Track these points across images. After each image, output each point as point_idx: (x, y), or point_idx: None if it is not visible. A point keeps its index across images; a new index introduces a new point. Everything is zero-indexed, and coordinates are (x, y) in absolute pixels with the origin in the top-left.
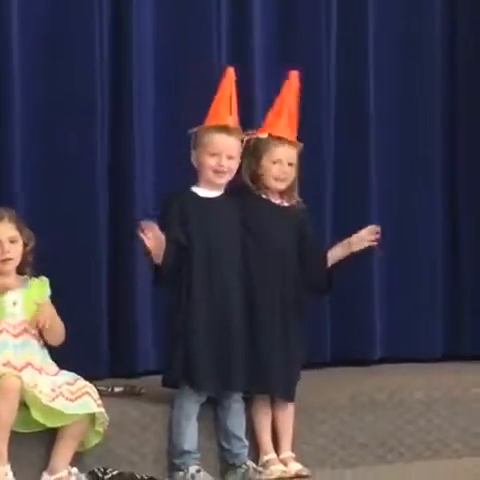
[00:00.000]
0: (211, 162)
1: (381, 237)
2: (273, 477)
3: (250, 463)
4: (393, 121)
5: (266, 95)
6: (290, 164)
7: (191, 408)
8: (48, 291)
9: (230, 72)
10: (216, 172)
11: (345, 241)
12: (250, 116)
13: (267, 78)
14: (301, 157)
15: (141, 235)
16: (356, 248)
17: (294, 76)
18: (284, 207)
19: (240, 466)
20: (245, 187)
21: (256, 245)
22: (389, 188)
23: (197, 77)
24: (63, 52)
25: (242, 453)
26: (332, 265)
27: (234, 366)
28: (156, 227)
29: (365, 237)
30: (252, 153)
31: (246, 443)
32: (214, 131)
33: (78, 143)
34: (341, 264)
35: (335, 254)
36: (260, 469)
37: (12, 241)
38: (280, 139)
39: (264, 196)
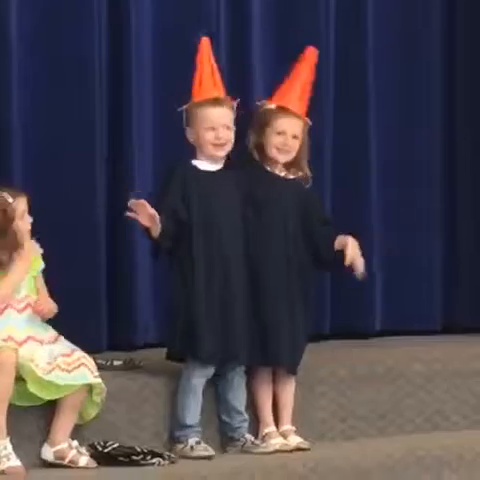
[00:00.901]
0: (209, 136)
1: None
2: (269, 450)
3: (248, 436)
4: (391, 91)
5: (264, 80)
6: (294, 137)
7: (198, 382)
8: (42, 264)
9: (205, 42)
10: (215, 145)
11: (344, 242)
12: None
13: (265, 65)
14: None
15: (131, 215)
16: (348, 257)
17: (311, 52)
18: (287, 179)
19: (239, 439)
20: (250, 159)
21: (257, 216)
22: (388, 158)
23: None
24: (61, 29)
25: (241, 426)
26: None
27: (238, 339)
28: (145, 204)
29: (355, 262)
30: (258, 123)
31: (246, 417)
32: (206, 105)
33: (77, 122)
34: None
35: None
36: (258, 442)
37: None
38: (287, 111)
39: (268, 168)
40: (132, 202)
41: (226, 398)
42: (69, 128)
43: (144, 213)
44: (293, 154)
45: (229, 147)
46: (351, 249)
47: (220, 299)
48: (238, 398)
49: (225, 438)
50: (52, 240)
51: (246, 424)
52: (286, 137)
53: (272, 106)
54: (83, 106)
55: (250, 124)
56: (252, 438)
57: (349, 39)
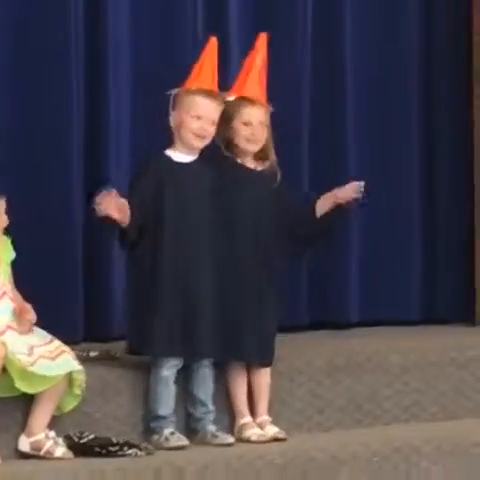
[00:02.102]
0: (193, 125)
1: (364, 191)
2: (229, 441)
3: (210, 428)
4: (369, 72)
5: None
6: (261, 124)
7: (168, 373)
8: (13, 253)
9: (213, 42)
10: (197, 136)
11: (329, 193)
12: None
13: (243, 44)
14: (274, 119)
15: (99, 209)
16: (341, 200)
17: (262, 39)
18: (258, 172)
19: (201, 430)
20: (219, 152)
21: (228, 211)
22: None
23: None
24: (36, 22)
25: (204, 418)
26: (323, 216)
27: (202, 333)
28: (114, 194)
29: (349, 190)
30: (223, 117)
31: (211, 408)
32: (199, 94)
33: (53, 115)
34: (332, 215)
35: (321, 206)
36: (217, 433)
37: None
38: (249, 100)
39: (239, 160)
40: (100, 196)
41: (191, 389)
42: (45, 127)
43: (113, 204)
44: (262, 142)
45: (208, 141)
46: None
47: (184, 292)
48: (203, 389)
49: (190, 429)
50: (28, 232)
51: (210, 416)
52: (253, 127)
53: (233, 98)
54: (59, 103)
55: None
56: (214, 430)
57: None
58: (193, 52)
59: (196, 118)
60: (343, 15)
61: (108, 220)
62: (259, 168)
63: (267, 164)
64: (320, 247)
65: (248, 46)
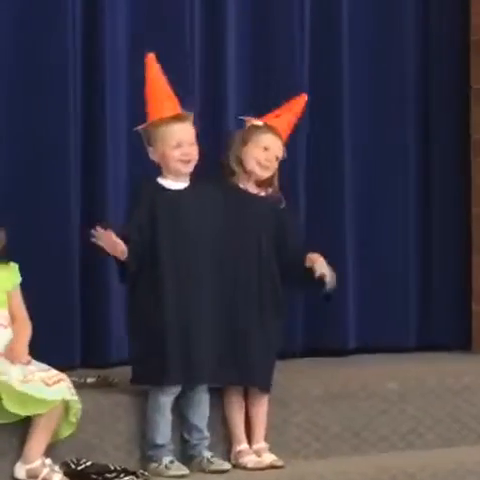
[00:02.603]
0: (175, 154)
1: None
2: (224, 467)
3: (206, 453)
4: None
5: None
6: (276, 157)
7: (165, 401)
8: (18, 277)
9: (152, 57)
10: (182, 162)
11: (311, 255)
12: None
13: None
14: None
15: (95, 241)
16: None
17: (302, 98)
18: (261, 197)
19: (197, 456)
20: (221, 176)
21: (230, 236)
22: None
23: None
24: (35, 36)
25: (200, 444)
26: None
27: (203, 360)
28: (110, 235)
29: (320, 268)
30: (239, 138)
31: (206, 435)
32: (169, 123)
33: (51, 135)
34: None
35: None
36: (213, 460)
37: None
38: (274, 130)
39: (242, 185)
40: (97, 232)
41: (186, 415)
42: (43, 141)
43: (109, 243)
44: (271, 173)
45: (194, 163)
46: (319, 262)
47: (187, 320)
48: (198, 415)
49: (186, 456)
50: (26, 256)
51: (206, 442)
52: (269, 153)
53: (260, 123)
54: (57, 116)
55: (231, 139)
56: (209, 456)
57: (324, 51)
58: (189, 61)
59: (176, 147)
60: (341, 31)
61: (106, 253)
62: (262, 194)
63: (269, 191)
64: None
65: (243, 60)
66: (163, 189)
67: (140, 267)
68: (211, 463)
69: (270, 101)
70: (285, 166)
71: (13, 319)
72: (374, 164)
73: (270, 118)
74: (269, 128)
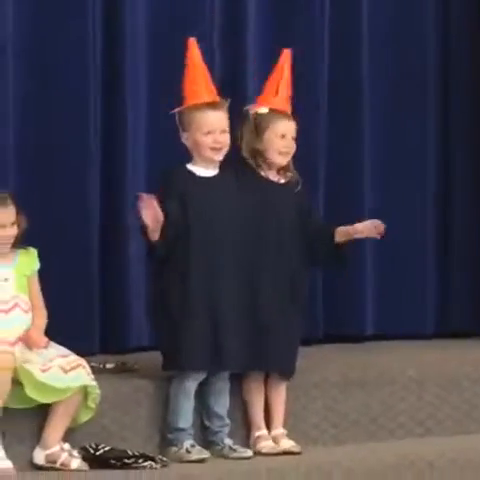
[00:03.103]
0: (208, 141)
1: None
2: (246, 455)
3: (227, 441)
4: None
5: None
6: (293, 138)
7: (191, 385)
8: (37, 263)
9: (193, 43)
10: (213, 149)
11: (349, 227)
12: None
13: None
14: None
15: (140, 206)
16: (360, 235)
17: (286, 54)
18: (282, 184)
19: (218, 444)
20: (241, 164)
21: (255, 224)
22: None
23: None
24: (54, 30)
25: (221, 431)
26: (340, 244)
27: (230, 347)
28: (155, 202)
29: (370, 230)
30: (252, 129)
31: (227, 422)
32: (203, 109)
33: (70, 125)
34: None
35: (340, 233)
36: (236, 447)
37: (12, 224)
38: (281, 113)
39: (262, 173)
40: (143, 195)
41: (208, 402)
42: (61, 132)
43: (150, 210)
44: (291, 156)
45: (225, 151)
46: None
47: (213, 306)
48: (219, 403)
49: (206, 442)
50: (45, 243)
51: (226, 429)
52: (287, 139)
53: (266, 110)
54: (76, 110)
55: (241, 130)
56: (231, 443)
57: (344, 35)
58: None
59: (208, 134)
60: (360, 33)
61: (144, 230)
62: (282, 180)
63: (289, 176)
64: (334, 272)
65: (265, 59)
66: (193, 176)
67: (168, 251)
68: (233, 451)
69: None
70: (305, 148)
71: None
72: (393, 151)
73: (270, 98)
74: (278, 113)
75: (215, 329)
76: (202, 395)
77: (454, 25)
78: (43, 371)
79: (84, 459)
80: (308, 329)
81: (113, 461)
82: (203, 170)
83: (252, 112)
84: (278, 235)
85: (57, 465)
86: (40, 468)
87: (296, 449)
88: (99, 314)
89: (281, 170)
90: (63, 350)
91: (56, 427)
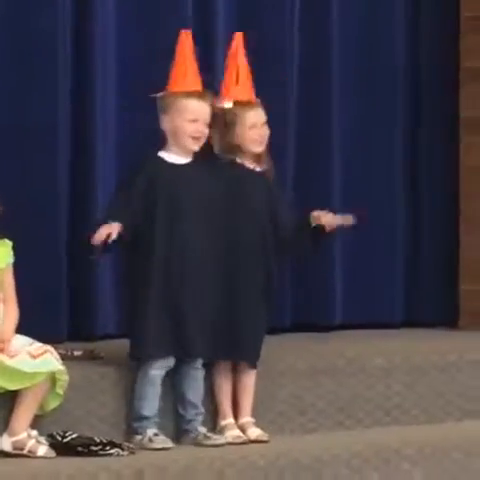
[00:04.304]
0: (190, 128)
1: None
2: (220, 442)
3: (201, 429)
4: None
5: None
6: (263, 124)
7: (156, 374)
8: (11, 255)
9: (187, 35)
10: (193, 138)
11: (316, 213)
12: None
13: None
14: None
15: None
16: (325, 225)
17: (239, 37)
18: (257, 173)
19: (192, 432)
20: (217, 155)
21: (230, 211)
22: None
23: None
24: (24, 15)
25: (195, 419)
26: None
27: (194, 334)
28: (105, 231)
29: (337, 220)
30: (223, 124)
31: (201, 410)
32: (190, 97)
33: (40, 120)
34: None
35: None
36: (209, 435)
37: None
38: (247, 103)
39: (238, 160)
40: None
41: (181, 391)
42: (31, 125)
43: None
44: (266, 141)
45: (203, 142)
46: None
47: (176, 292)
48: (194, 391)
49: (180, 430)
50: (12, 230)
51: (200, 417)
52: (259, 128)
53: (230, 104)
54: (46, 101)
55: (211, 125)
56: (205, 431)
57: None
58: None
59: (192, 122)
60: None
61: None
62: (258, 169)
63: (263, 165)
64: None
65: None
66: (164, 162)
67: (132, 237)
68: (208, 438)
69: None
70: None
71: (4, 298)
72: (362, 141)
73: (232, 89)
74: (244, 104)
75: (178, 317)
76: (176, 383)
77: (425, 5)
78: (11, 357)
79: (51, 446)
80: (276, 318)
81: (80, 448)
82: (175, 157)
83: (219, 107)
84: (252, 223)
85: (24, 452)
86: (7, 455)
87: (264, 437)
88: (67, 302)
89: (257, 158)
90: (27, 339)
91: (23, 414)
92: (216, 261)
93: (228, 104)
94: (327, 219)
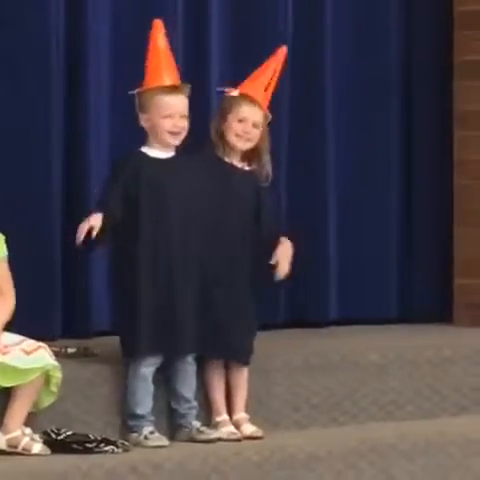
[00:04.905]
0: (166, 125)
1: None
2: (213, 437)
3: (195, 423)
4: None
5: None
6: (255, 125)
7: (146, 371)
8: (4, 250)
9: (158, 24)
10: (172, 134)
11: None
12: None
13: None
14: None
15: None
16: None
17: (281, 51)
18: (244, 171)
19: (186, 426)
20: (206, 149)
21: (213, 209)
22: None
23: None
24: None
25: (189, 414)
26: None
27: (183, 330)
28: (85, 226)
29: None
30: (220, 110)
31: (194, 404)
32: (163, 92)
33: (32, 115)
34: None
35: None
36: (203, 429)
37: None
38: (250, 99)
39: (227, 159)
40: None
41: (174, 386)
42: (23, 121)
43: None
44: (253, 143)
45: (183, 135)
46: (281, 251)
47: (165, 289)
48: (186, 385)
49: (174, 425)
50: (6, 226)
51: (194, 411)
52: (247, 124)
53: (235, 93)
54: (38, 97)
55: (214, 111)
56: (198, 425)
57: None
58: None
59: (167, 117)
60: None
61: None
62: (246, 168)
63: (255, 165)
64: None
65: (226, 55)
66: (146, 157)
67: (114, 235)
68: (201, 433)
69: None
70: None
71: None
72: (356, 138)
73: (247, 84)
74: (245, 97)
75: (168, 314)
76: (169, 378)
77: (417, 20)
78: (4, 354)
79: (46, 443)
80: (271, 314)
81: (75, 445)
82: (158, 152)
83: (225, 94)
84: (236, 220)
85: (19, 450)
86: (1, 453)
87: (258, 434)
88: (61, 299)
89: (246, 158)
90: (18, 336)
91: (18, 411)
92: (201, 258)
93: (234, 92)
94: (281, 267)
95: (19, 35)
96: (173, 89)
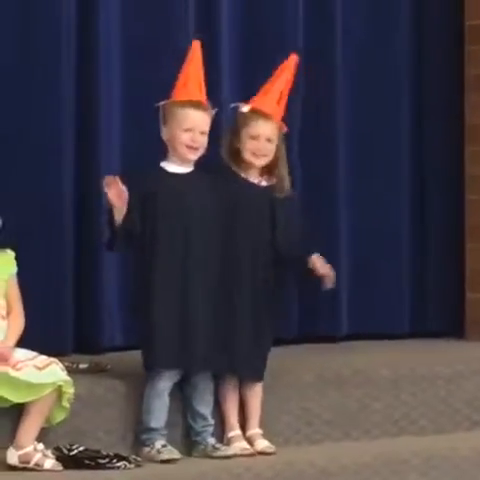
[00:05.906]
0: (184, 138)
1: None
2: (228, 453)
3: (210, 440)
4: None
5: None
6: (268, 140)
7: (164, 386)
8: (15, 267)
9: (197, 45)
10: (189, 148)
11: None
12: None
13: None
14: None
15: (105, 186)
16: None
17: (292, 60)
18: (261, 187)
19: (201, 443)
20: (223, 165)
21: (228, 225)
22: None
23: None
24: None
25: (205, 431)
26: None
27: (196, 345)
28: (119, 181)
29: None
30: (232, 127)
31: (211, 422)
32: (187, 106)
33: (45, 119)
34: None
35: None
36: (218, 446)
37: None
38: (261, 114)
39: (243, 174)
40: (106, 177)
41: (191, 403)
42: (35, 122)
43: (115, 189)
44: (269, 158)
45: (201, 152)
46: (316, 260)
47: (181, 305)
48: (203, 403)
49: (190, 442)
50: (16, 241)
51: (210, 429)
52: (260, 140)
53: (245, 109)
54: (49, 97)
55: (225, 128)
56: (214, 442)
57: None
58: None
59: (187, 131)
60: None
61: (110, 212)
62: (263, 183)
63: (273, 181)
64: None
65: (238, 59)
66: (164, 172)
67: (127, 241)
68: (216, 449)
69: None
70: None
71: (8, 310)
72: (368, 149)
73: (258, 98)
74: (256, 113)
75: (185, 330)
76: (186, 395)
77: (429, 9)
78: (17, 370)
79: (58, 459)
80: (283, 329)
81: (87, 461)
82: (176, 167)
83: (236, 110)
84: (251, 236)
85: (31, 465)
86: (13, 468)
87: (270, 449)
88: (73, 314)
89: (265, 173)
90: (31, 352)
91: (30, 427)
92: (216, 274)
93: (245, 108)
94: (324, 271)
95: (30, 38)
96: (198, 104)
